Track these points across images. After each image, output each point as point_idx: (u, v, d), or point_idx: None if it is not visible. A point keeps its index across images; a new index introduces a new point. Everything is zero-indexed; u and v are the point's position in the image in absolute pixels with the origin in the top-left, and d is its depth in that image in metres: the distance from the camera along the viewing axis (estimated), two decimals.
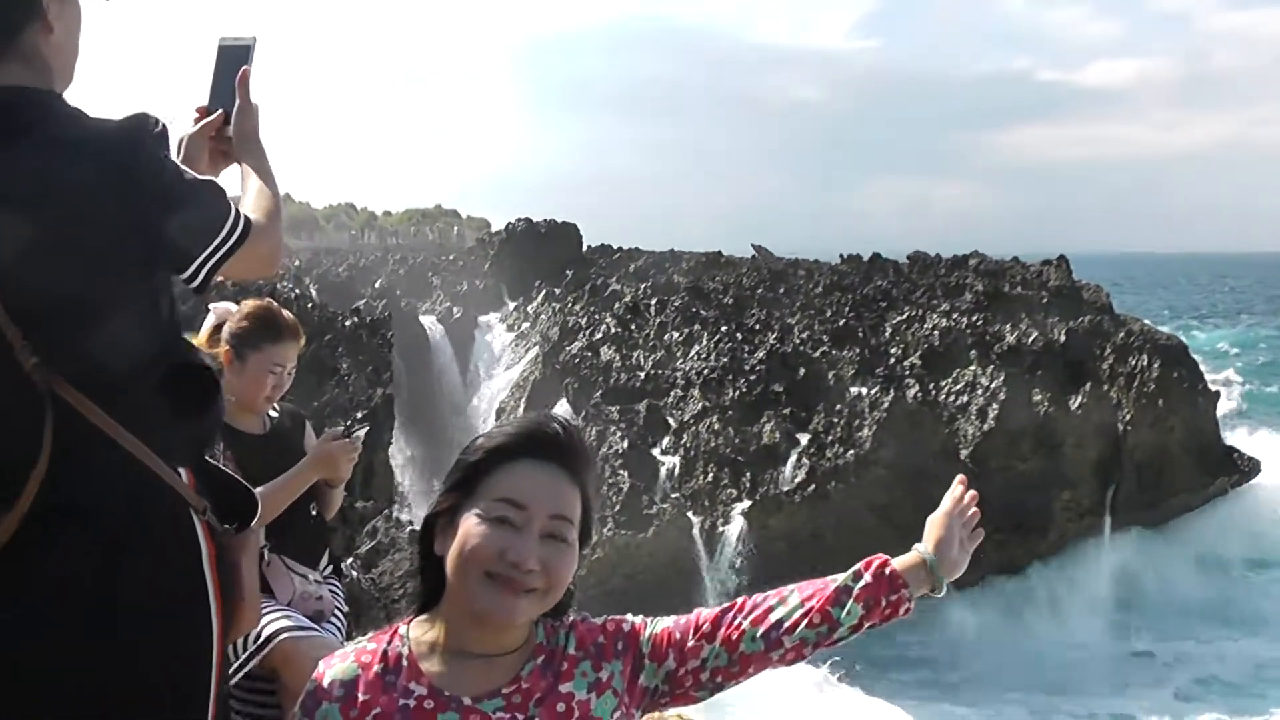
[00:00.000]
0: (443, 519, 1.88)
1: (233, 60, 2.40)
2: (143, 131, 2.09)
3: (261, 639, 3.32)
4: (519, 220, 37.17)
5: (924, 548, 2.04)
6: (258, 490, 2.46)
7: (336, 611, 3.75)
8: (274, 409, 3.80)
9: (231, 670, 3.15)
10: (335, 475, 3.69)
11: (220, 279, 2.29)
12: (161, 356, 2.14)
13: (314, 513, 3.81)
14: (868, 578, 1.97)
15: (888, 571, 1.98)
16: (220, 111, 2.46)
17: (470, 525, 1.82)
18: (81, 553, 1.98)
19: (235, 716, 3.31)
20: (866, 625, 1.96)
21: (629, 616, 1.99)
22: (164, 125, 2.18)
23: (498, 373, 30.95)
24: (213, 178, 2.21)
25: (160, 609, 2.06)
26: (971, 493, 2.10)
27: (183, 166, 2.17)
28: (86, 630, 1.98)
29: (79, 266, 2.01)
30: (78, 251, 2.00)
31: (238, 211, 2.20)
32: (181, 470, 2.14)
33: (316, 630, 3.51)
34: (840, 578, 1.98)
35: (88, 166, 2.01)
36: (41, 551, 1.96)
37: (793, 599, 1.97)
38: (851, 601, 1.95)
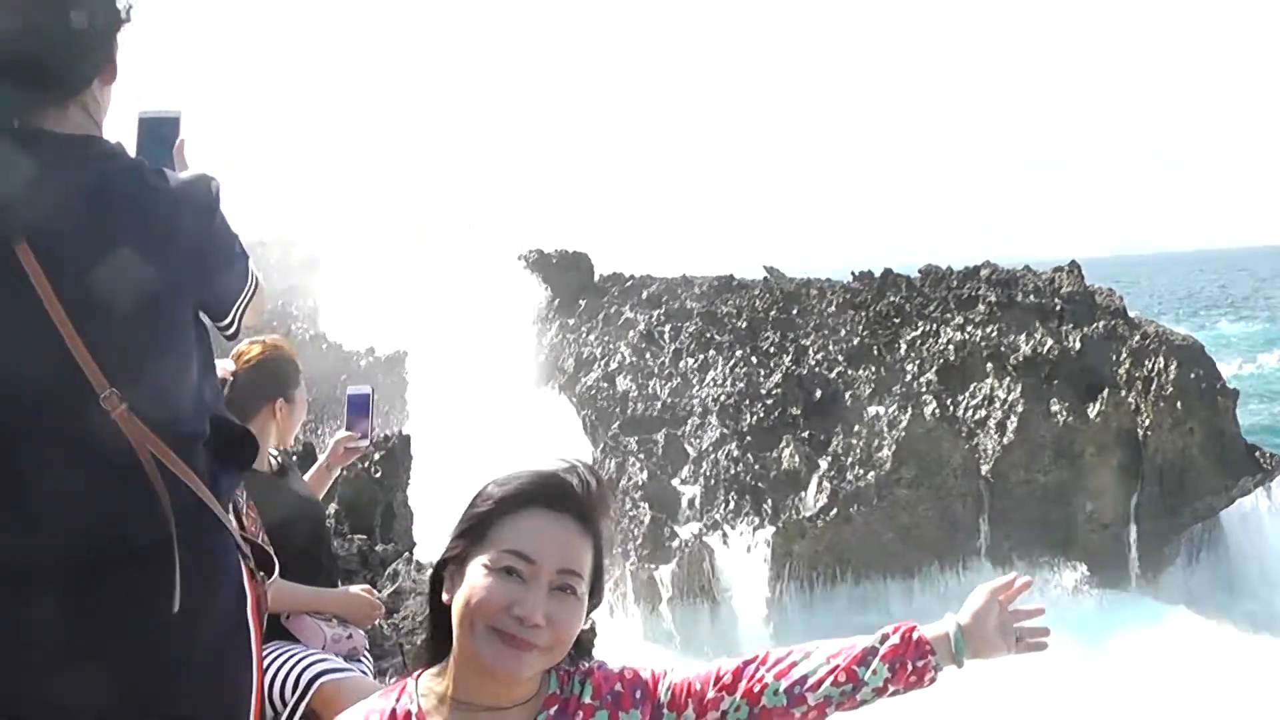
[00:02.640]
0: (452, 565, 1.85)
1: (158, 129, 2.34)
2: (216, 190, 2.14)
3: (303, 683, 3.36)
4: (531, 251, 37.21)
5: (956, 617, 1.99)
6: (279, 580, 2.51)
7: (365, 653, 3.76)
8: (275, 449, 3.81)
9: None
10: (356, 622, 3.72)
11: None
12: (209, 410, 2.19)
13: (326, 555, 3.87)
14: (895, 639, 1.94)
15: (915, 636, 1.95)
16: None
17: (477, 576, 1.78)
18: (163, 591, 2.01)
19: None
20: (891, 689, 1.93)
21: (646, 666, 1.95)
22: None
23: None
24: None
25: (222, 642, 2.13)
26: (1027, 593, 2.03)
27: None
28: (167, 655, 2.04)
29: (163, 316, 2.06)
30: (161, 302, 2.04)
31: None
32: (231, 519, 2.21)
33: (354, 670, 3.55)
34: (867, 639, 1.95)
35: (176, 221, 2.05)
36: (127, 587, 1.99)
37: (817, 655, 1.93)
38: (878, 661, 1.92)
